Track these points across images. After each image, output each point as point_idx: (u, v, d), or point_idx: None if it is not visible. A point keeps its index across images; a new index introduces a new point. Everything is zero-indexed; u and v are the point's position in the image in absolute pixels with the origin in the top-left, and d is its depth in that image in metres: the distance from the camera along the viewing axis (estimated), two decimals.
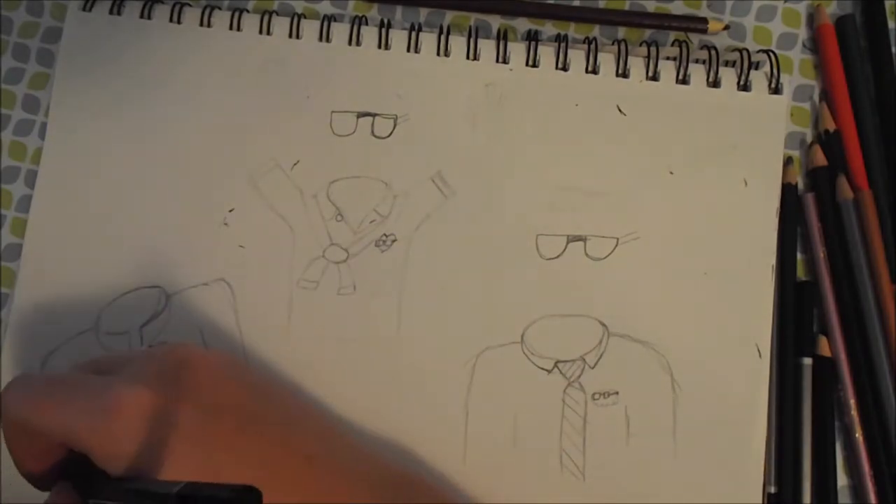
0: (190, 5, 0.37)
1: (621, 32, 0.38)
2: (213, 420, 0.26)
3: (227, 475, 0.24)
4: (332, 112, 0.36)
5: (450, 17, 0.38)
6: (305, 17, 0.37)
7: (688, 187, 0.35)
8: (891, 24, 0.37)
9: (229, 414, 0.27)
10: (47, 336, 0.35)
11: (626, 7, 0.38)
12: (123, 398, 0.25)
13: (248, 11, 0.37)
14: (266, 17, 0.37)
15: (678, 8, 0.38)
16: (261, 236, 0.35)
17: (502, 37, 0.36)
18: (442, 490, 0.32)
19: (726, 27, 0.37)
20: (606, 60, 0.36)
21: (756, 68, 0.36)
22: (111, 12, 0.37)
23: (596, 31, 0.38)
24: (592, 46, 0.36)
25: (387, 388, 0.34)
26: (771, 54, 0.36)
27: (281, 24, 0.37)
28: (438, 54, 0.36)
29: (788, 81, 0.37)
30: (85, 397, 0.26)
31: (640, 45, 0.37)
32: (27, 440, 0.27)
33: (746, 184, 0.35)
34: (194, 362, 0.28)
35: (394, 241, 0.35)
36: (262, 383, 0.30)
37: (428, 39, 0.36)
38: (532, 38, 0.37)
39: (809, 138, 0.37)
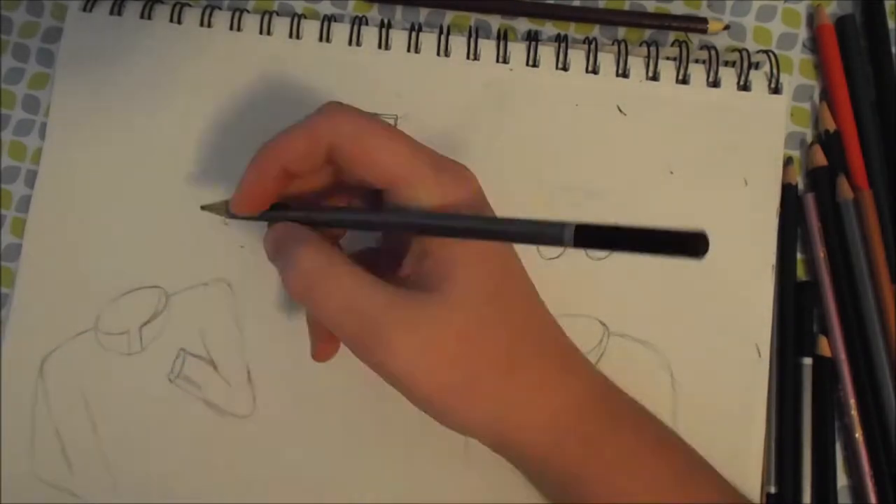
0: (190, 5, 0.37)
1: (621, 32, 0.38)
2: None
3: None
4: None
5: (450, 17, 0.38)
6: (305, 18, 0.37)
7: (688, 187, 0.35)
8: (891, 24, 0.37)
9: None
10: (47, 336, 0.35)
11: (626, 7, 0.38)
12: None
13: (248, 12, 0.37)
14: (266, 18, 0.37)
15: (678, 8, 0.38)
16: (261, 236, 0.35)
17: (502, 37, 0.36)
18: None
19: (726, 27, 0.37)
20: (606, 60, 0.36)
21: (756, 68, 0.36)
22: (111, 12, 0.37)
23: (596, 31, 0.38)
24: (592, 46, 0.36)
25: (387, 387, 0.34)
26: (771, 54, 0.36)
27: (281, 25, 0.37)
28: (438, 54, 0.36)
29: (788, 81, 0.37)
30: (406, 142, 0.29)
31: (640, 45, 0.37)
32: (314, 153, 0.30)
33: (746, 184, 0.35)
34: None
35: None
36: None
37: (428, 39, 0.36)
38: (532, 38, 0.37)
39: (809, 138, 0.37)
